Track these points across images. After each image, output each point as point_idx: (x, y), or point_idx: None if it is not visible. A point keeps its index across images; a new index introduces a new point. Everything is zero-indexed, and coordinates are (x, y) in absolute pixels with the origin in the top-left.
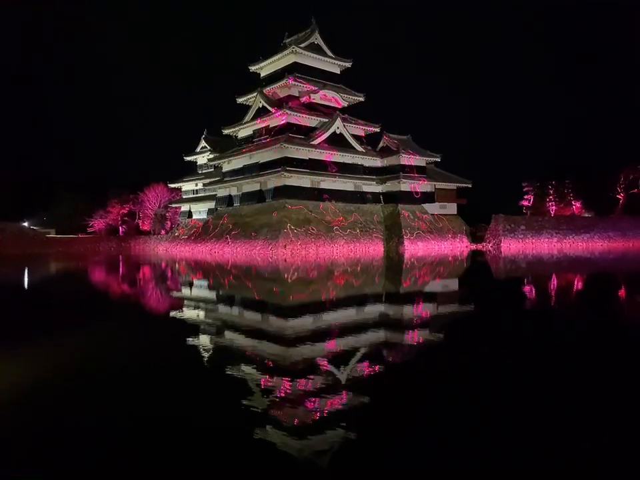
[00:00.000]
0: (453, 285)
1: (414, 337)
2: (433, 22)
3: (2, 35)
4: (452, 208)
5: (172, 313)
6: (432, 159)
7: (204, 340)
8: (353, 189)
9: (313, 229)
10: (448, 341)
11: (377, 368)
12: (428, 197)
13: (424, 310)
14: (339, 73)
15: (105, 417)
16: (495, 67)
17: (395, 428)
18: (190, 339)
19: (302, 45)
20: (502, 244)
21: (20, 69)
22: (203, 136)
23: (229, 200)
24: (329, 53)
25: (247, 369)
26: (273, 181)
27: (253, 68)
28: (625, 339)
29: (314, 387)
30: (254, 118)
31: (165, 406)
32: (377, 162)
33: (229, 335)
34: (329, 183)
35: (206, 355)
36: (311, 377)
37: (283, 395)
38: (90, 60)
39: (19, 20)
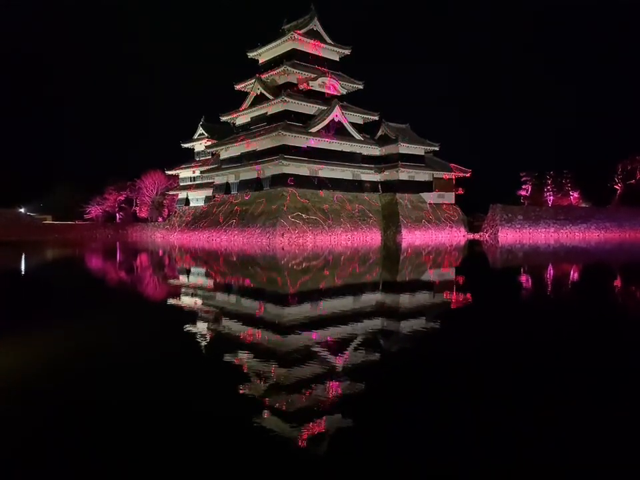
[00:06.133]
0: (449, 274)
1: (410, 324)
2: (432, 11)
3: (14, 18)
4: (450, 197)
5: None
6: (430, 147)
7: (203, 325)
8: (351, 178)
9: (311, 218)
10: (440, 328)
11: (370, 350)
12: (426, 186)
13: (420, 298)
14: (338, 60)
15: (115, 402)
16: (494, 58)
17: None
18: (190, 324)
19: (301, 32)
20: (499, 233)
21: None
22: (201, 123)
23: (226, 187)
24: (328, 40)
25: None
26: (270, 168)
27: (251, 54)
28: (616, 327)
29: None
30: (252, 105)
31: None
32: (375, 150)
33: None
34: (327, 171)
35: (206, 340)
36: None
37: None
38: (87, 46)
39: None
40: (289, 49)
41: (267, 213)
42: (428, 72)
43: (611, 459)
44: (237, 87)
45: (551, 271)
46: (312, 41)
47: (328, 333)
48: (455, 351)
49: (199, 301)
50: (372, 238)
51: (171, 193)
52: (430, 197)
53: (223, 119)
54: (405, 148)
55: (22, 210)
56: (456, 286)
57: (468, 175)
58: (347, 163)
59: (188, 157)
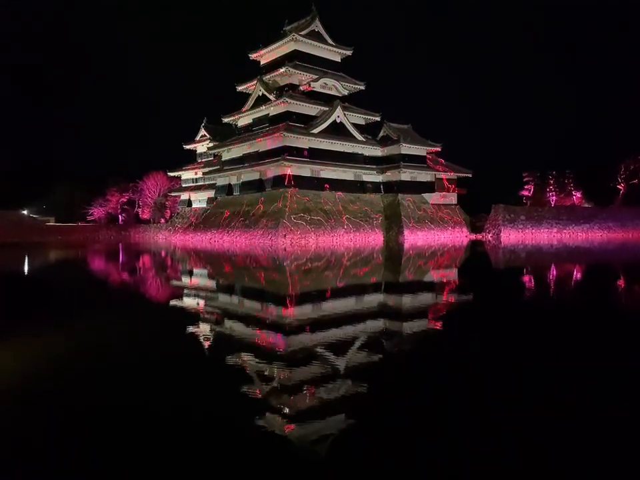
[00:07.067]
0: (453, 275)
1: (415, 325)
2: (432, 11)
3: (14, 18)
4: (452, 198)
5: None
6: (432, 148)
7: (205, 326)
8: (353, 179)
9: (313, 218)
10: (444, 329)
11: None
12: (428, 187)
13: (424, 299)
14: (339, 61)
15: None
16: (494, 57)
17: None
18: (192, 325)
19: (302, 33)
20: (502, 234)
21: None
22: (203, 124)
23: (228, 189)
24: (330, 41)
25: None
26: (272, 169)
27: (252, 56)
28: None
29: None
30: (254, 106)
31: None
32: (377, 151)
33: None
34: (329, 172)
35: (207, 340)
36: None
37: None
38: (87, 46)
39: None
40: (290, 50)
41: (269, 214)
42: (428, 72)
43: (612, 459)
44: (239, 88)
45: (554, 272)
46: (313, 42)
47: (333, 333)
48: (458, 352)
49: (201, 302)
50: (374, 239)
51: (173, 194)
52: (432, 198)
53: (225, 120)
54: (406, 148)
55: (24, 212)
56: (460, 287)
57: (470, 175)
58: (349, 164)
59: (190, 159)
